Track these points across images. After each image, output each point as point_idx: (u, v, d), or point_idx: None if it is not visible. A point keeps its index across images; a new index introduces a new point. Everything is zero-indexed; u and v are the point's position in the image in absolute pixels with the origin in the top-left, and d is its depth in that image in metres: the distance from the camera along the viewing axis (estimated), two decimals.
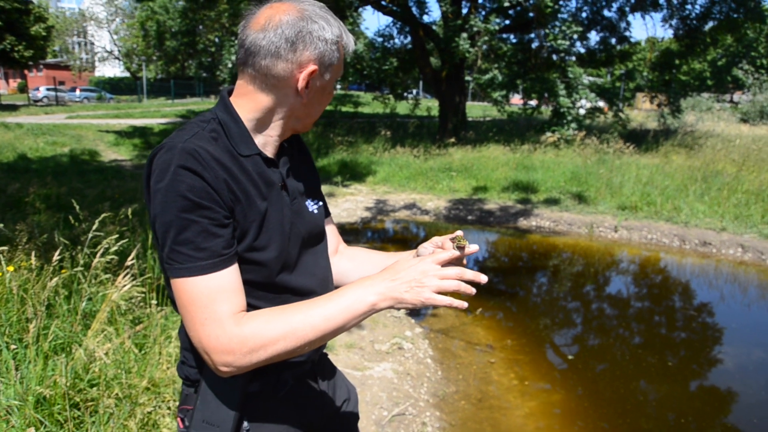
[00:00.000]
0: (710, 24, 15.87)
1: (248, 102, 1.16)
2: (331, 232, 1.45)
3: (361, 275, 1.35)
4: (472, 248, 1.16)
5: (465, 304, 1.07)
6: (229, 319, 1.03)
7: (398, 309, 1.07)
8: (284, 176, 1.20)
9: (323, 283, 1.30)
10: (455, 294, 1.07)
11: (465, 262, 1.19)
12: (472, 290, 1.06)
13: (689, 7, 15.93)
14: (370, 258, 1.45)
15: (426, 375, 4.08)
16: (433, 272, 1.05)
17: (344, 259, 1.46)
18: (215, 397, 1.15)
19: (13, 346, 2.54)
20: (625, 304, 6.08)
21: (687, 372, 4.52)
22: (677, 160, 11.47)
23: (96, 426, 2.34)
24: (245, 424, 1.18)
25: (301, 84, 1.12)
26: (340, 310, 1.05)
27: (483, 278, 1.06)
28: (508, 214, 9.30)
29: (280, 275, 1.17)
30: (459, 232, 1.20)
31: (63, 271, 3.20)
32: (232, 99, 1.18)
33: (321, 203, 1.34)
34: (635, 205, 8.98)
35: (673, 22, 16.25)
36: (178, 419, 1.23)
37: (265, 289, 1.15)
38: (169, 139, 1.08)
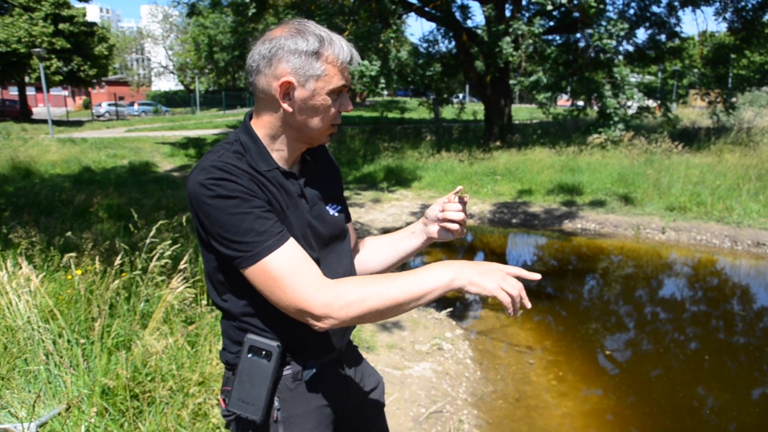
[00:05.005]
0: None
1: (258, 120, 1.31)
2: (350, 233, 1.60)
3: (376, 257, 1.57)
4: (467, 197, 1.44)
5: (518, 315, 1.23)
6: (319, 278, 1.19)
7: (467, 292, 1.18)
8: (302, 186, 1.35)
9: None
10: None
11: (466, 213, 1.44)
12: (527, 304, 1.18)
13: None
14: (378, 242, 1.61)
15: (465, 375, 4.18)
16: (504, 274, 1.18)
17: (361, 250, 1.62)
18: (249, 379, 1.30)
19: (82, 341, 2.82)
20: (670, 306, 5.98)
21: (729, 376, 4.45)
22: (730, 158, 11.09)
23: (153, 414, 2.58)
24: (276, 403, 1.34)
25: (279, 95, 1.24)
26: (424, 280, 1.18)
27: (527, 303, 1.18)
28: (553, 216, 9.25)
29: None
30: (460, 187, 1.42)
31: (123, 274, 3.51)
32: (252, 121, 1.33)
33: (341, 207, 1.48)
34: (684, 205, 8.77)
35: (727, 15, 15.72)
36: (221, 400, 1.40)
37: None
38: (199, 161, 1.24)
